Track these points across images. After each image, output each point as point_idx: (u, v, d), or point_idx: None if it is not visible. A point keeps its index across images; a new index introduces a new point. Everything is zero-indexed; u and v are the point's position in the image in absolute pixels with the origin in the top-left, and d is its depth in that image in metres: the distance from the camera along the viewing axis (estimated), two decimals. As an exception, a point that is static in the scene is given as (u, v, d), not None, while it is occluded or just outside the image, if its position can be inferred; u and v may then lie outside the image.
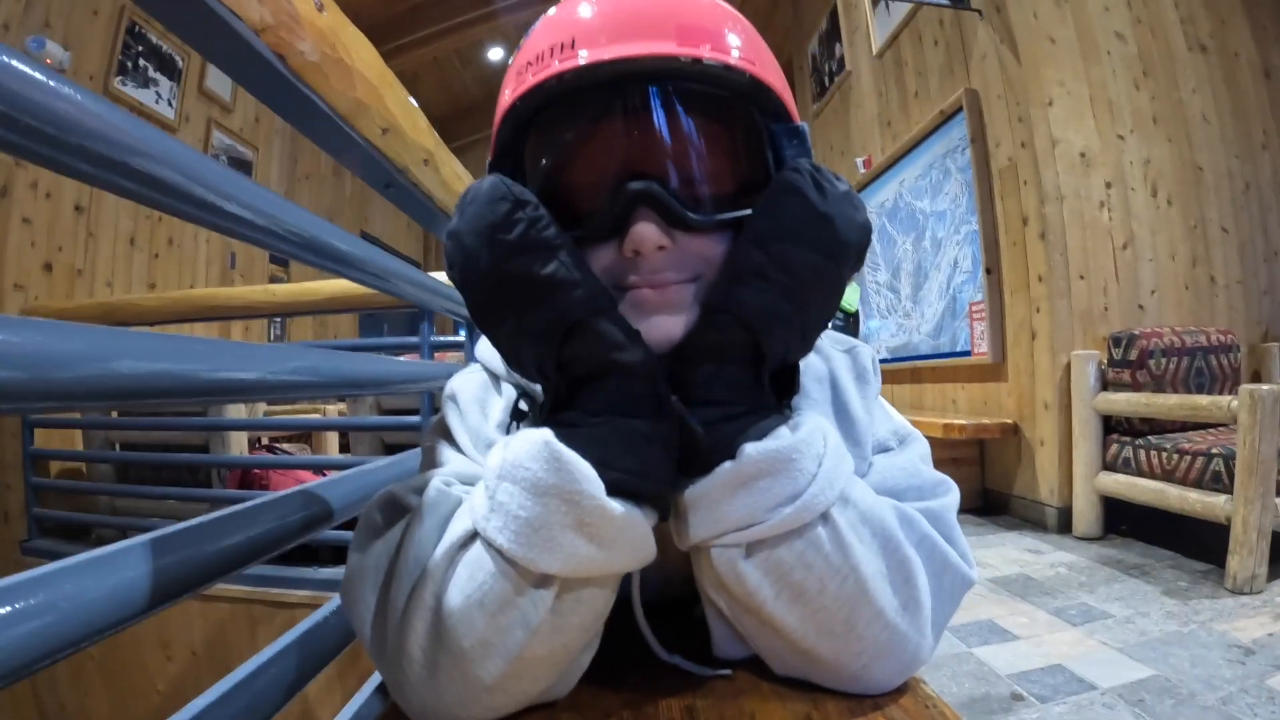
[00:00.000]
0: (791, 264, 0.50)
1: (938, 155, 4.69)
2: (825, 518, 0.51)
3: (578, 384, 0.52)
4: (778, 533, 0.50)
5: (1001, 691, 2.00)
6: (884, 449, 0.67)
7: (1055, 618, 2.53)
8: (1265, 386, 2.66)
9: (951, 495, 0.62)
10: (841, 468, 0.53)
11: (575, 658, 0.54)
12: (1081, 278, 3.71)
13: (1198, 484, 2.92)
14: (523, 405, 0.63)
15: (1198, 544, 3.08)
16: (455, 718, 0.51)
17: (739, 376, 0.52)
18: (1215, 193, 4.03)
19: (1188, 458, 2.97)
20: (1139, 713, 1.82)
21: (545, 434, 0.49)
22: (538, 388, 0.56)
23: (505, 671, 0.49)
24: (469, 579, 0.48)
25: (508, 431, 0.63)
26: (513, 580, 0.48)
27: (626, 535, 0.49)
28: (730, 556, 0.51)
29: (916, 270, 5.11)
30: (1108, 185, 3.80)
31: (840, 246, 0.51)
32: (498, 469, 0.49)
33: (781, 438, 0.50)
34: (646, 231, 0.51)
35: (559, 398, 0.53)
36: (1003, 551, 3.40)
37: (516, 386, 0.65)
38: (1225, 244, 4.03)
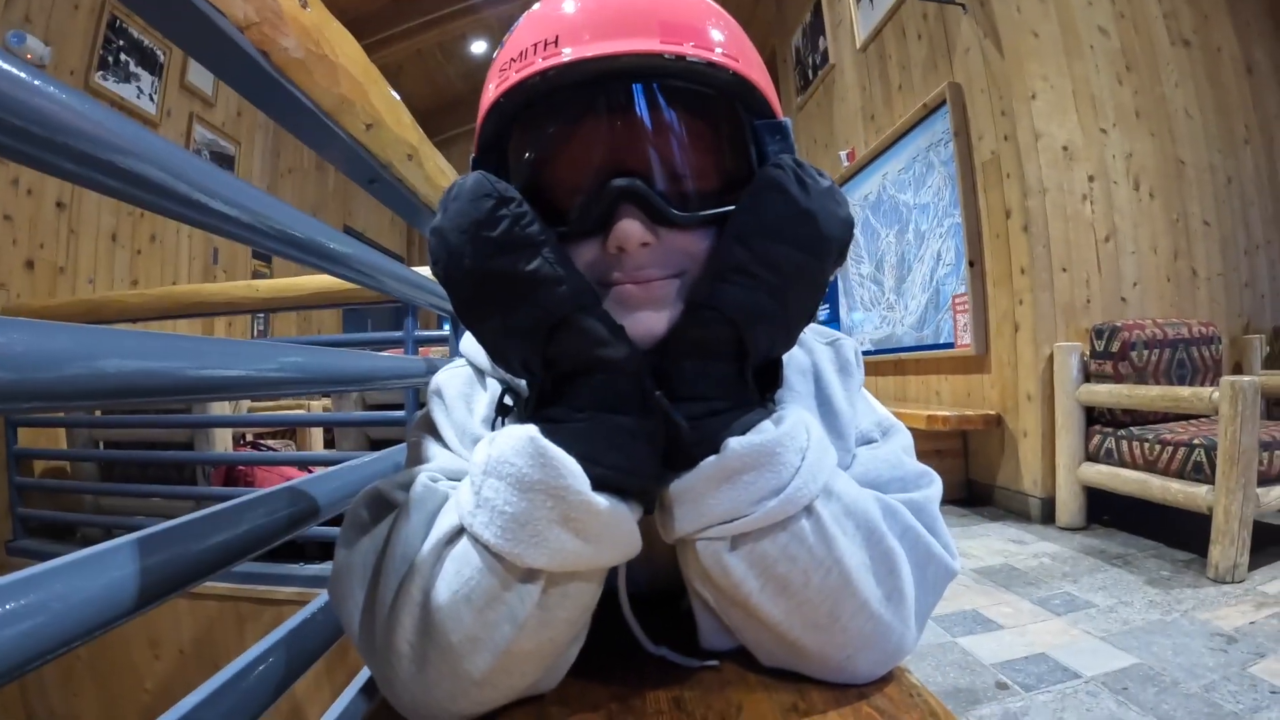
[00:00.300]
0: (774, 260, 0.51)
1: (921, 148, 4.70)
2: (809, 510, 0.51)
3: (563, 380, 0.52)
4: (762, 526, 0.50)
5: (986, 680, 2.02)
6: (867, 441, 0.67)
7: (1039, 607, 2.55)
8: (1246, 378, 2.70)
9: (934, 486, 0.63)
10: (825, 460, 0.53)
11: (563, 651, 0.54)
12: (1064, 270, 3.73)
13: (1180, 474, 2.95)
14: (508, 401, 0.63)
15: (1180, 534, 3.12)
16: (444, 712, 0.51)
17: (723, 372, 0.53)
18: (1197, 186, 4.06)
19: (1169, 448, 3.00)
20: (1123, 700, 1.84)
21: (530, 430, 0.49)
22: (523, 383, 0.57)
23: (493, 666, 0.49)
24: (456, 574, 0.49)
25: (493, 427, 0.63)
26: (499, 575, 0.48)
27: (612, 530, 0.49)
28: (715, 550, 0.51)
29: (900, 263, 5.13)
30: (1090, 179, 3.83)
31: (823, 242, 0.52)
32: (483, 465, 0.50)
33: (765, 432, 0.51)
34: (630, 228, 0.52)
35: (544, 393, 0.53)
36: (986, 542, 3.43)
37: (502, 382, 0.65)
38: (1207, 237, 4.06)
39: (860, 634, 0.53)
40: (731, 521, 0.50)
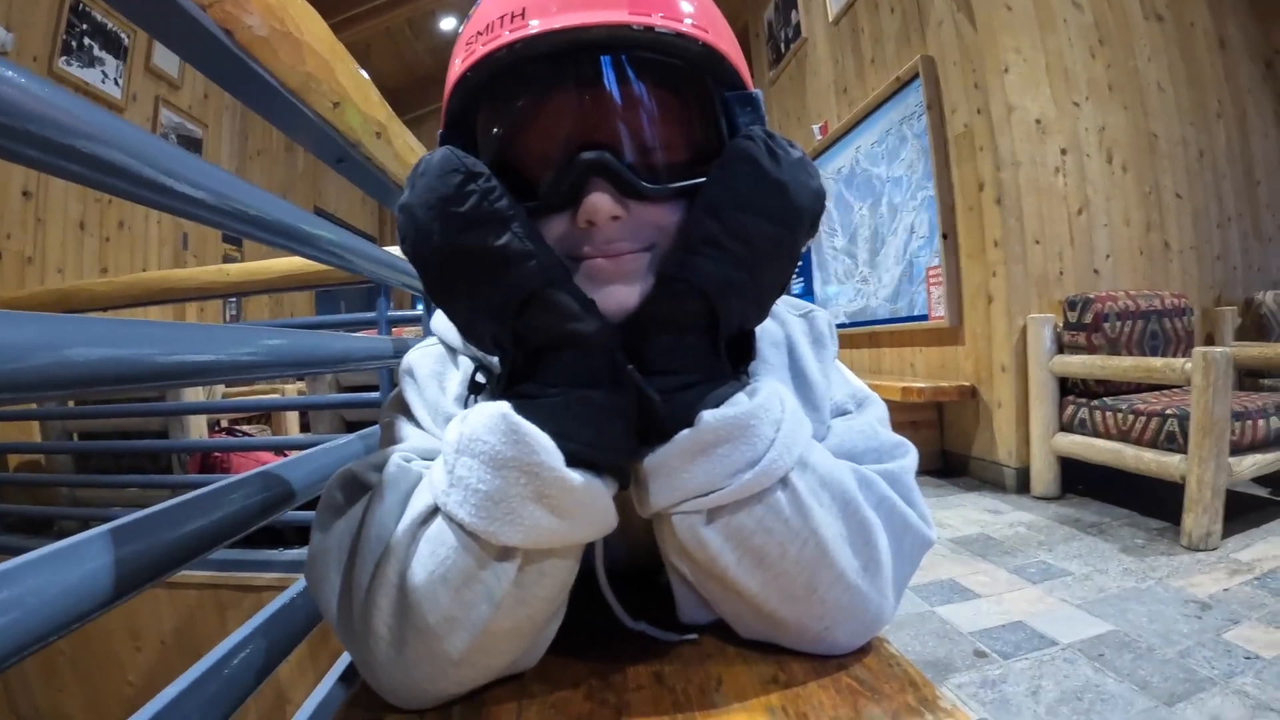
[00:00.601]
0: (746, 232, 0.50)
1: (894, 122, 4.71)
2: (784, 482, 0.51)
3: (534, 356, 0.52)
4: (738, 498, 0.50)
5: (964, 649, 2.05)
6: (842, 412, 0.68)
7: (1015, 576, 2.59)
8: (1218, 349, 2.73)
9: (910, 457, 0.63)
10: (800, 432, 0.53)
11: (541, 629, 0.54)
12: (1037, 242, 3.76)
13: (1153, 444, 2.99)
14: (480, 378, 0.62)
15: (1153, 502, 3.16)
16: (424, 693, 0.51)
17: (695, 345, 0.53)
18: (1170, 160, 4.10)
19: (1143, 418, 3.04)
20: (1099, 667, 1.87)
21: (503, 407, 0.49)
22: (495, 360, 0.56)
23: (472, 645, 0.49)
24: (431, 555, 0.49)
25: (466, 405, 0.63)
26: (475, 554, 0.48)
27: (587, 505, 0.49)
28: (691, 523, 0.52)
29: (873, 236, 5.15)
30: (1063, 152, 3.84)
31: (794, 213, 0.52)
32: (456, 443, 0.49)
33: (739, 404, 0.51)
34: (600, 201, 0.51)
35: (516, 370, 0.53)
36: (963, 512, 3.47)
37: (473, 359, 0.65)
38: (1179, 210, 4.10)
39: (838, 605, 0.54)
40: (707, 495, 0.50)
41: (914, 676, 0.53)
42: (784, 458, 0.51)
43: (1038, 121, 3.80)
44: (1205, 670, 1.82)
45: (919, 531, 0.59)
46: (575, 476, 0.48)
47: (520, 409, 0.49)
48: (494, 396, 0.53)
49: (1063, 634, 2.09)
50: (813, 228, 0.54)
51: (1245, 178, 4.31)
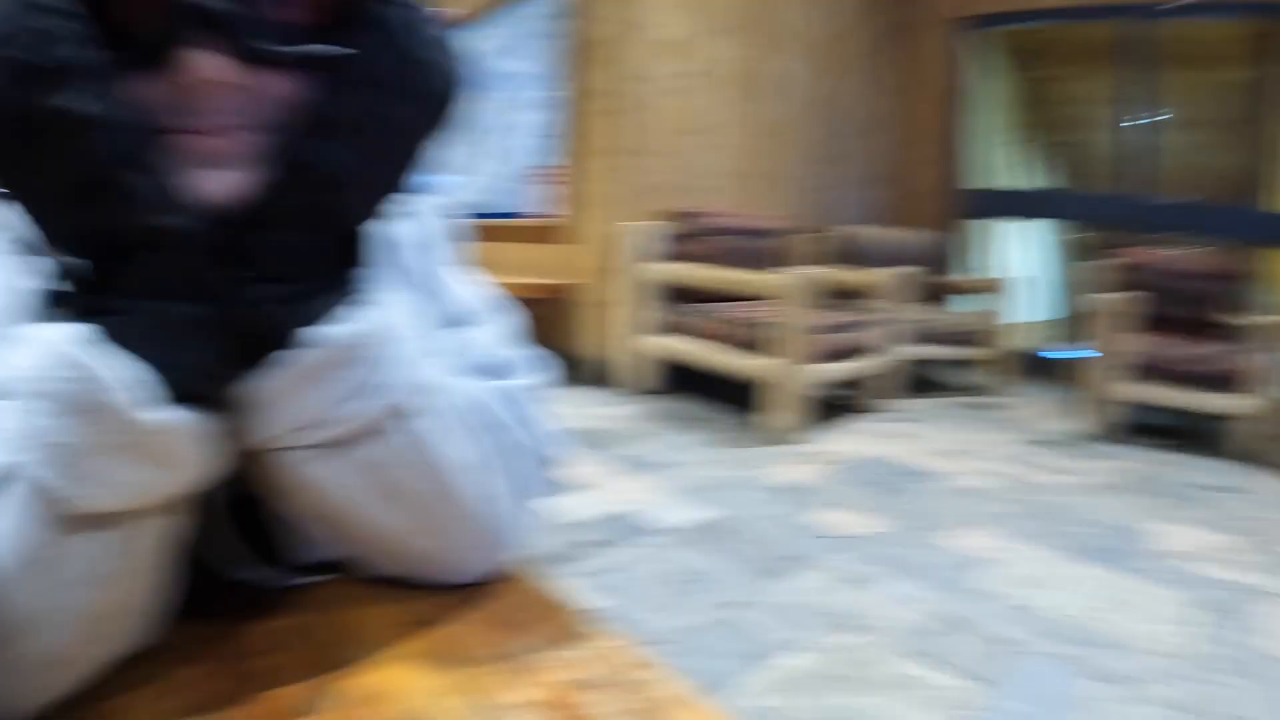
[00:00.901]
0: (375, 115, 0.42)
1: (525, 18, 4.72)
2: (405, 409, 0.45)
3: (112, 258, 0.39)
4: (354, 429, 0.44)
5: (577, 539, 2.16)
6: (466, 324, 0.61)
7: (622, 467, 2.79)
8: (807, 269, 3.21)
9: (536, 372, 0.60)
10: (417, 353, 0.47)
11: (153, 600, 0.43)
12: (652, 155, 4.01)
13: (744, 348, 3.39)
14: (53, 286, 0.42)
15: (746, 401, 3.55)
16: (21, 702, 0.39)
17: (307, 247, 0.43)
18: (786, 97, 4.55)
19: (737, 325, 3.44)
20: (705, 549, 2.10)
21: (73, 331, 0.37)
22: (72, 262, 0.40)
23: (73, 638, 0.38)
24: (4, 533, 0.37)
25: (38, 324, 0.47)
26: (59, 525, 0.37)
27: (184, 449, 0.39)
28: (296, 459, 0.44)
29: (492, 130, 5.17)
30: (687, 74, 4.09)
31: (432, 99, 0.45)
32: (20, 384, 0.37)
33: (355, 321, 0.42)
34: (207, 61, 0.38)
35: (89, 277, 0.39)
36: (570, 406, 3.67)
37: (43, 259, 0.49)
38: (787, 143, 4.60)
39: (464, 534, 0.51)
40: (319, 426, 0.43)
41: (555, 604, 0.53)
42: (405, 382, 0.45)
43: (666, 41, 4.00)
44: (791, 549, 2.11)
45: (547, 450, 0.57)
46: (165, 416, 0.37)
47: (95, 331, 0.37)
48: (64, 314, 0.39)
49: (669, 520, 2.30)
50: (452, 118, 0.46)
51: (851, 121, 4.90)
